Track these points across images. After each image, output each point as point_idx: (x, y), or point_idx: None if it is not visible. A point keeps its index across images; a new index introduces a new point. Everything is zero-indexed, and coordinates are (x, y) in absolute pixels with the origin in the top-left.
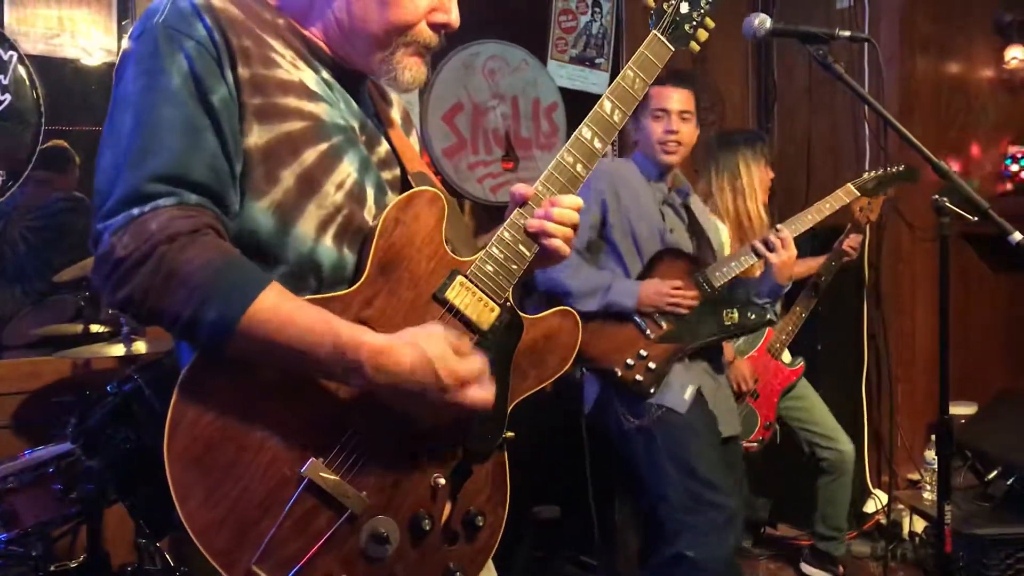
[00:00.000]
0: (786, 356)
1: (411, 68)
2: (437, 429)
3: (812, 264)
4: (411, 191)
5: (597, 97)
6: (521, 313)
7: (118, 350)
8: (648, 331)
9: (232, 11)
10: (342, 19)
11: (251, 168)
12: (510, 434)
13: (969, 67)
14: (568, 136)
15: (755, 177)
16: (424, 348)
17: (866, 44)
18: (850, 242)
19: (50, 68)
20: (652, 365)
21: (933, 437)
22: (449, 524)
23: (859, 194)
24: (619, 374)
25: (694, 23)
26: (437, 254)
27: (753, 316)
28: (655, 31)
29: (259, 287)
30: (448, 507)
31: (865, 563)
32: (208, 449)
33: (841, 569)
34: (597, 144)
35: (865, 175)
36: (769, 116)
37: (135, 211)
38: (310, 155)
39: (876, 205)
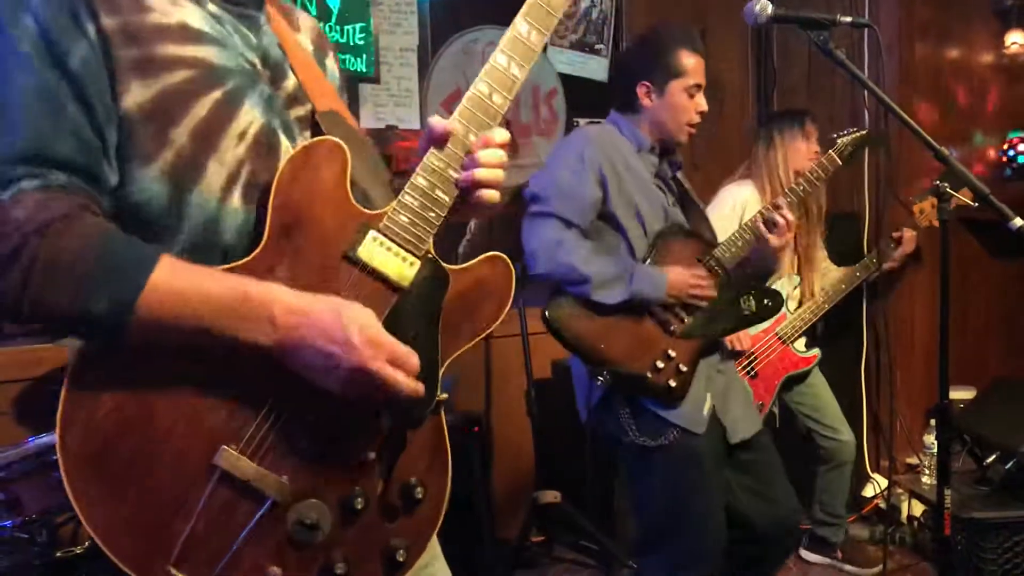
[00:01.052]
0: (800, 344)
1: None
2: (360, 402)
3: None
4: (306, 144)
5: (597, 83)
6: (446, 264)
7: None
8: (672, 327)
9: None
10: None
11: (134, 131)
12: (443, 396)
13: (969, 52)
14: (569, 124)
15: (788, 149)
16: (341, 310)
17: (866, 30)
18: (902, 233)
19: None
20: (683, 367)
21: (932, 422)
22: (386, 499)
23: (840, 161)
24: (649, 379)
25: None
26: (343, 209)
27: (770, 303)
28: None
29: (149, 265)
30: (382, 482)
31: (863, 546)
32: (107, 444)
33: (840, 554)
34: (515, 70)
35: (839, 140)
36: (768, 102)
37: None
38: (202, 107)
39: (932, 212)
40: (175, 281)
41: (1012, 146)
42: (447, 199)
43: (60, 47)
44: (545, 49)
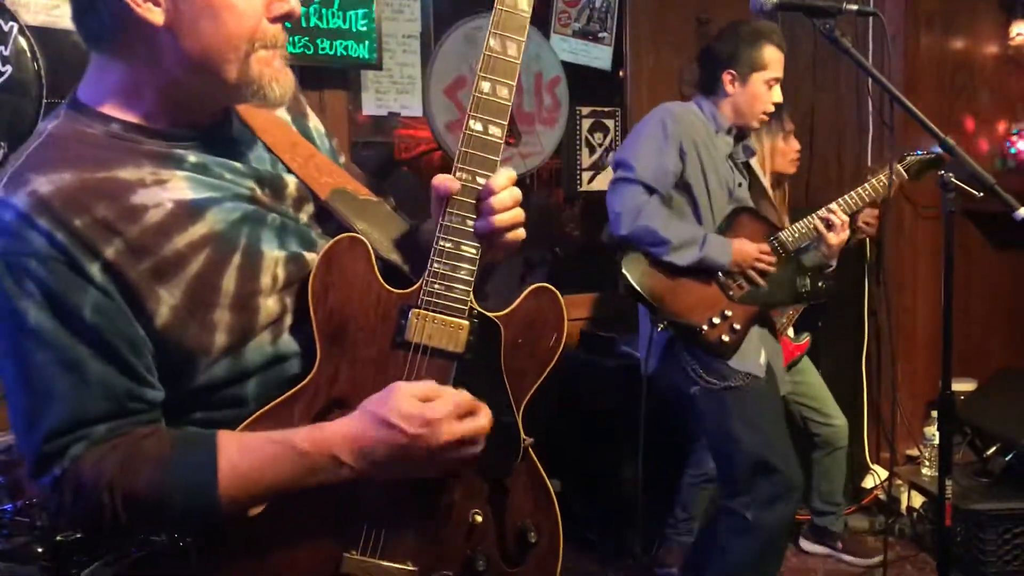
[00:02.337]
0: (791, 332)
1: (275, 77)
2: (451, 471)
3: None
4: (326, 248)
5: (600, 72)
6: (491, 315)
7: None
8: (730, 291)
9: (66, 186)
10: (180, 63)
11: (182, 332)
12: (529, 440)
13: (974, 42)
14: (572, 112)
15: (766, 147)
16: (376, 411)
17: (871, 19)
18: (865, 216)
19: (51, 39)
20: (736, 326)
21: (933, 413)
22: (505, 550)
23: (907, 176)
24: (703, 331)
25: None
26: (381, 299)
27: (823, 285)
28: None
29: (211, 451)
30: (496, 537)
31: (863, 538)
32: None
33: (840, 544)
34: (503, 93)
35: (908, 158)
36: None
37: (56, 471)
38: (230, 280)
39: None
40: (242, 460)
41: (1019, 136)
42: (474, 252)
43: (67, 307)
44: (548, 37)
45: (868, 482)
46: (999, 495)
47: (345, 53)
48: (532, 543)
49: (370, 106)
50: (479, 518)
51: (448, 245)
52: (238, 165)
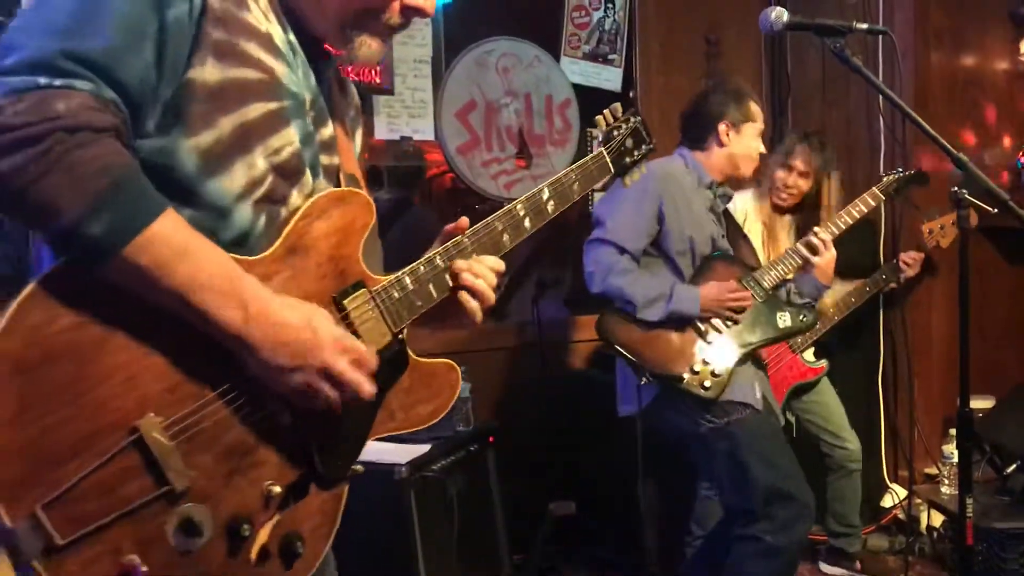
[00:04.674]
0: (808, 354)
1: (371, 46)
2: (294, 430)
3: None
4: (350, 189)
5: (610, 93)
6: (409, 352)
7: None
8: (709, 336)
9: None
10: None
11: (191, 102)
12: (359, 468)
13: (984, 59)
14: (582, 134)
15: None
16: (311, 314)
17: (880, 37)
18: (906, 257)
19: None
20: (717, 372)
21: (951, 431)
22: (268, 541)
23: (884, 197)
24: (685, 379)
25: (634, 159)
26: (350, 258)
27: (804, 319)
28: (603, 150)
29: (157, 210)
30: (272, 522)
31: (883, 558)
32: (44, 361)
33: (858, 565)
34: (527, 224)
35: (885, 178)
36: (783, 110)
37: (41, 80)
38: (256, 109)
39: (949, 232)
40: (176, 234)
41: None
42: (435, 296)
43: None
44: (558, 59)
45: (887, 501)
46: (1020, 513)
47: (357, 78)
48: (296, 553)
49: (382, 130)
50: (276, 490)
51: (423, 272)
52: (311, 76)
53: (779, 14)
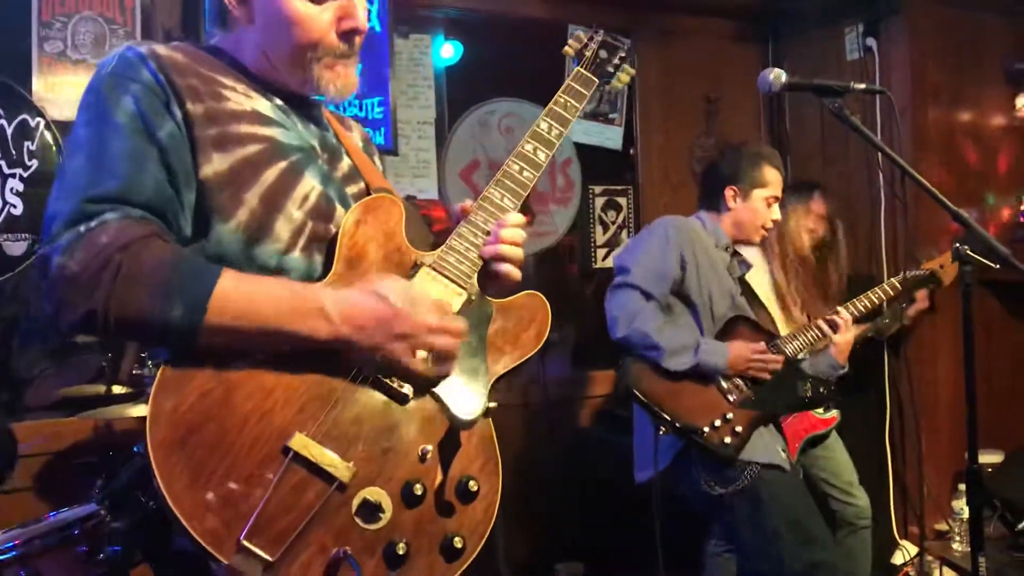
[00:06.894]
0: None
1: (334, 80)
2: (420, 394)
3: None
4: (370, 196)
5: (613, 152)
6: (489, 298)
7: (140, 411)
8: (731, 395)
9: (177, 57)
10: (263, 48)
11: (215, 194)
12: (493, 404)
13: (981, 115)
14: (584, 191)
15: (793, 222)
16: (366, 285)
17: (877, 96)
18: (922, 294)
19: None
20: (739, 429)
21: (960, 486)
22: (442, 493)
23: (901, 288)
24: (705, 433)
25: (614, 65)
26: (400, 248)
27: (825, 392)
28: (578, 68)
29: (216, 272)
30: (439, 476)
31: None
32: (190, 432)
33: None
34: (540, 155)
35: (908, 275)
36: (783, 168)
37: (82, 228)
38: (270, 174)
39: (950, 271)
40: (240, 285)
41: None
42: (483, 242)
43: (151, 124)
44: None
45: (898, 558)
46: None
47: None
48: (473, 493)
49: None
50: (429, 448)
51: (467, 231)
52: (311, 125)
53: (777, 75)
